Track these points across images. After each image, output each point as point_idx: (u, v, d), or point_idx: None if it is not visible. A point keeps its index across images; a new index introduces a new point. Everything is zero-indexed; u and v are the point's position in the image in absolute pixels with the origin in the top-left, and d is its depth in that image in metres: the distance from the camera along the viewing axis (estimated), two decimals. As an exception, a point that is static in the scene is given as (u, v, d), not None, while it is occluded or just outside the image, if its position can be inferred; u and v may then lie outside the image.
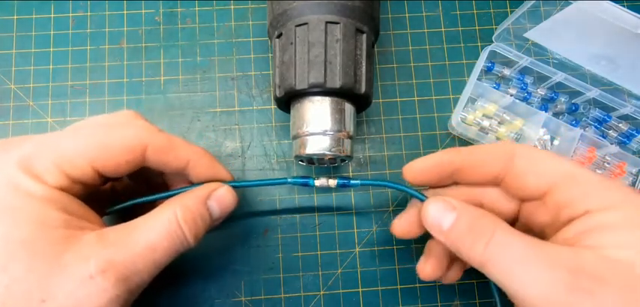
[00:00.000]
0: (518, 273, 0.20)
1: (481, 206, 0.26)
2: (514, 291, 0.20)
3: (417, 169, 0.26)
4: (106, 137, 0.22)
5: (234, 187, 0.26)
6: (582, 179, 0.21)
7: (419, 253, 0.32)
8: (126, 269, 0.20)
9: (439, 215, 0.23)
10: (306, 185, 0.28)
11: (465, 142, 0.34)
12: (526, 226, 0.25)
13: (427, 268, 0.26)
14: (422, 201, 0.25)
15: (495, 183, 0.25)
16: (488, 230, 0.21)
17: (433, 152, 0.26)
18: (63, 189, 0.21)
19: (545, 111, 0.33)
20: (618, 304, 0.18)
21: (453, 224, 0.22)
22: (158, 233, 0.22)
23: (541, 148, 0.34)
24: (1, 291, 0.18)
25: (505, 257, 0.20)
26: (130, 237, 0.21)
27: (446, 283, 0.28)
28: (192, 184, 0.26)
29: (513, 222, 0.26)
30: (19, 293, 0.19)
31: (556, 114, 0.34)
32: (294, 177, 0.28)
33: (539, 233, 0.24)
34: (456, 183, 0.26)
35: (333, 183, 0.28)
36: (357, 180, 0.28)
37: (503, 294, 0.22)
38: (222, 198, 0.25)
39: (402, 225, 0.27)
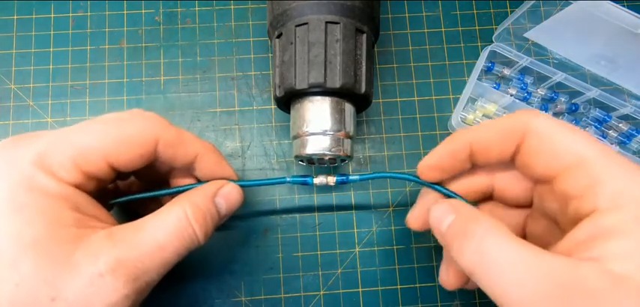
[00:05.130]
0: (504, 284, 0.18)
1: (492, 190, 0.25)
2: (500, 303, 0.18)
3: (432, 164, 0.24)
4: (120, 131, 0.22)
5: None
6: (592, 165, 0.18)
7: (419, 254, 0.32)
8: (135, 268, 0.20)
9: (441, 216, 0.22)
10: (305, 183, 0.28)
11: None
12: (540, 211, 0.23)
13: (451, 278, 0.24)
14: (415, 181, 0.26)
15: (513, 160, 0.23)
16: (478, 235, 0.19)
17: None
18: (77, 186, 0.21)
19: (546, 111, 0.33)
20: None
21: (449, 225, 0.21)
22: (168, 232, 0.21)
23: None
24: (12, 289, 0.18)
25: (492, 266, 0.18)
26: (140, 236, 0.21)
27: (469, 289, 0.26)
28: (199, 182, 0.26)
29: (528, 206, 0.25)
30: (29, 292, 0.18)
31: (556, 114, 0.34)
32: (293, 176, 0.28)
33: (552, 221, 0.22)
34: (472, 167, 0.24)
35: (332, 180, 0.28)
36: (355, 175, 0.28)
37: None
38: (228, 196, 0.25)
39: (417, 218, 0.26)
